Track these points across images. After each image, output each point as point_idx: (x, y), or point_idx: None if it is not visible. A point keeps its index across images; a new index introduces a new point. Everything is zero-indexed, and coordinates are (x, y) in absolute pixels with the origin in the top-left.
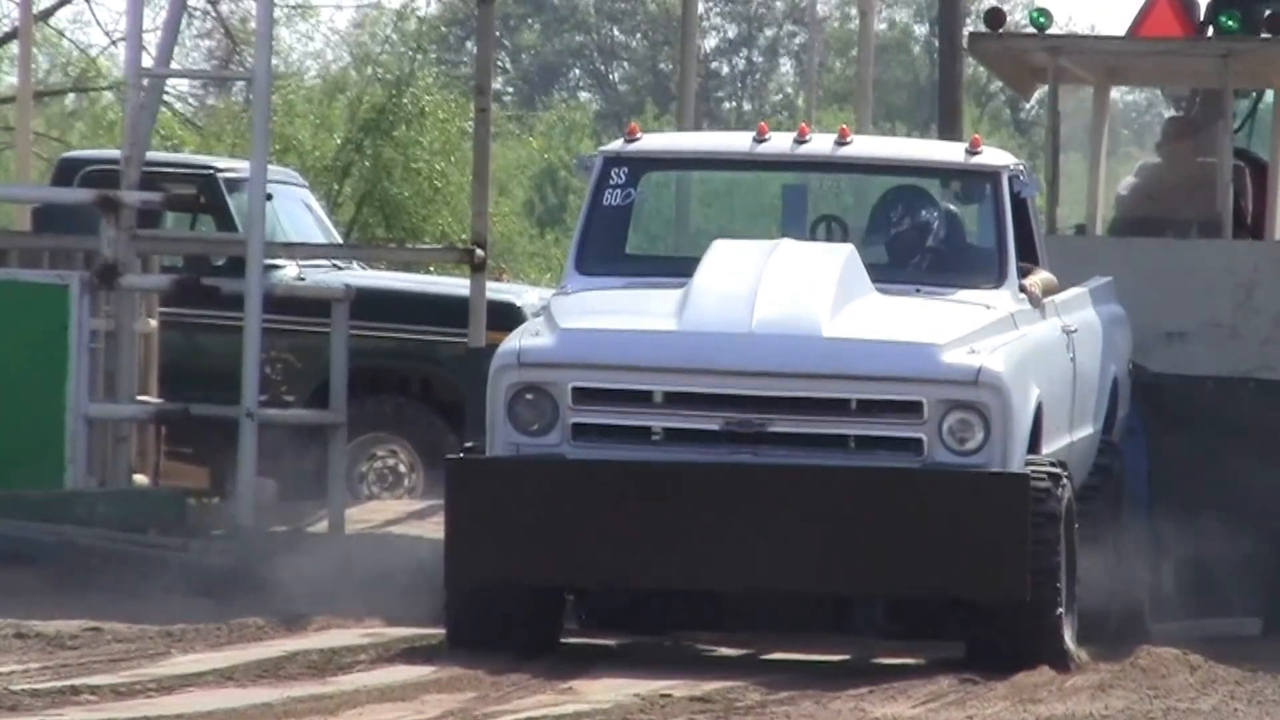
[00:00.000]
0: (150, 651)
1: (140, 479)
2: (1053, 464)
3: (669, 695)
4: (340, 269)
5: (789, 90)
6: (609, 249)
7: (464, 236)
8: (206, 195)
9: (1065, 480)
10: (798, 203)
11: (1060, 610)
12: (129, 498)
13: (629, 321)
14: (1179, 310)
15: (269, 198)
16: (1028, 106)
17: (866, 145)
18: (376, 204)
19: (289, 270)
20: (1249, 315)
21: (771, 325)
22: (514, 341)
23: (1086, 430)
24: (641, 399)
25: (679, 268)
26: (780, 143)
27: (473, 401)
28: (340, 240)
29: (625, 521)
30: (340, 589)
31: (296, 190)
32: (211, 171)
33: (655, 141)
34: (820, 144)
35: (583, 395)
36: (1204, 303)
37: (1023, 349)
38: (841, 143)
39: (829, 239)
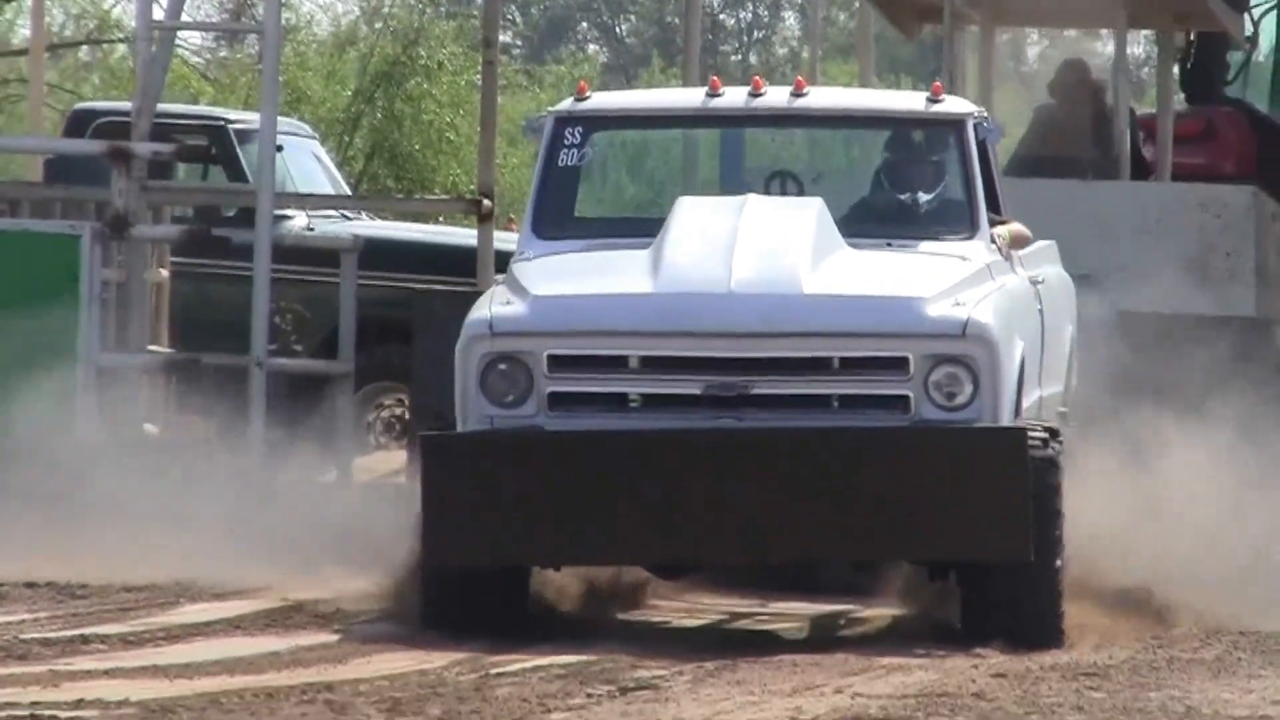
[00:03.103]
0: (159, 601)
1: (150, 428)
2: (1044, 422)
3: (681, 629)
4: (349, 219)
5: (794, 44)
6: (566, 211)
7: (472, 187)
8: (217, 146)
9: (1058, 435)
10: (735, 151)
11: (1058, 567)
12: (139, 446)
13: (602, 285)
14: (1083, 253)
15: (279, 149)
16: (1028, 61)
17: (823, 97)
18: (386, 156)
19: (298, 221)
20: (1156, 259)
21: (751, 284)
22: (484, 311)
23: (1051, 389)
24: (620, 365)
25: (639, 228)
26: (734, 97)
27: None
28: (349, 191)
29: (610, 494)
30: (347, 539)
31: (306, 142)
32: (222, 123)
33: (606, 100)
34: (775, 97)
35: (559, 363)
36: (1108, 246)
37: (1004, 301)
38: (797, 94)
39: (784, 194)
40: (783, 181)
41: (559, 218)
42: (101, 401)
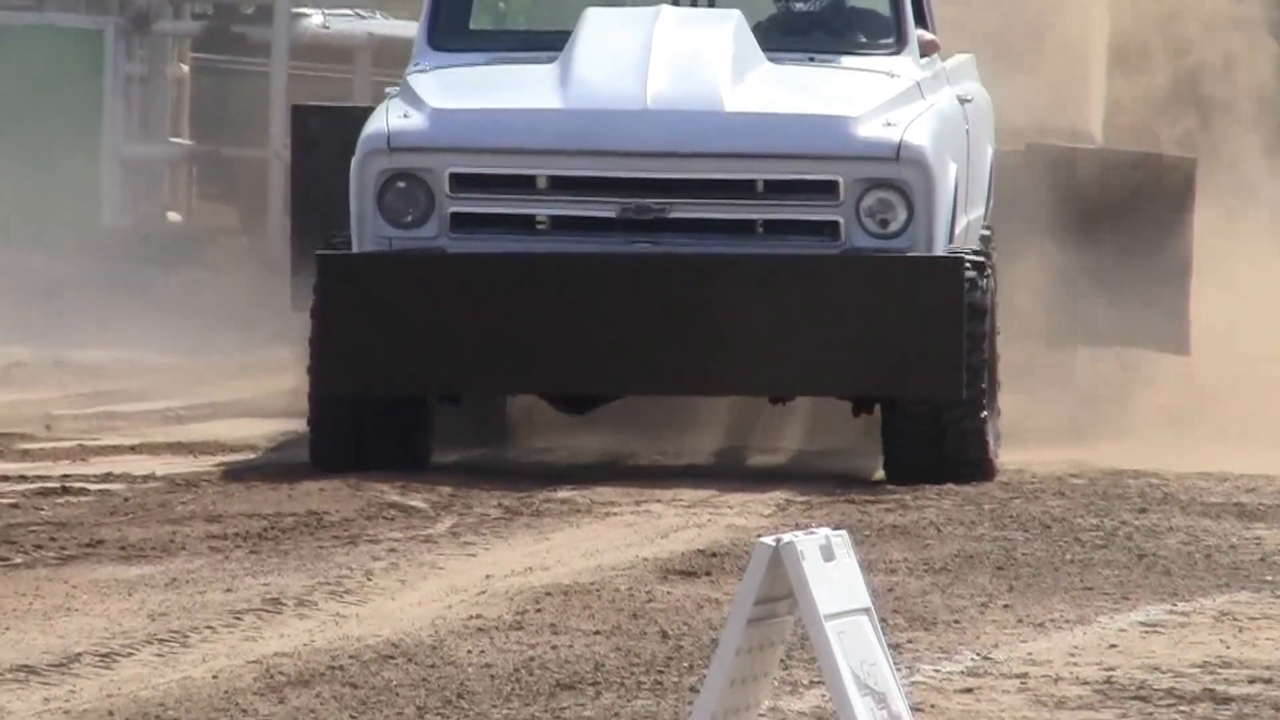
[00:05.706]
0: (181, 381)
1: (173, 216)
2: (977, 250)
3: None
4: (363, 18)
5: None
6: (463, 22)
7: None
8: None
9: (991, 268)
10: None
11: (985, 411)
12: (162, 235)
13: (508, 100)
14: None
15: None
16: None
17: None
18: None
19: (314, 19)
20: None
21: (668, 100)
22: (380, 123)
23: (975, 213)
24: (527, 185)
25: (539, 41)
26: None
27: None
28: None
29: (516, 320)
30: None
31: None
32: None
33: None
34: None
35: (461, 182)
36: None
37: (936, 121)
38: None
39: (695, 5)
40: None
41: (456, 28)
42: (125, 191)
